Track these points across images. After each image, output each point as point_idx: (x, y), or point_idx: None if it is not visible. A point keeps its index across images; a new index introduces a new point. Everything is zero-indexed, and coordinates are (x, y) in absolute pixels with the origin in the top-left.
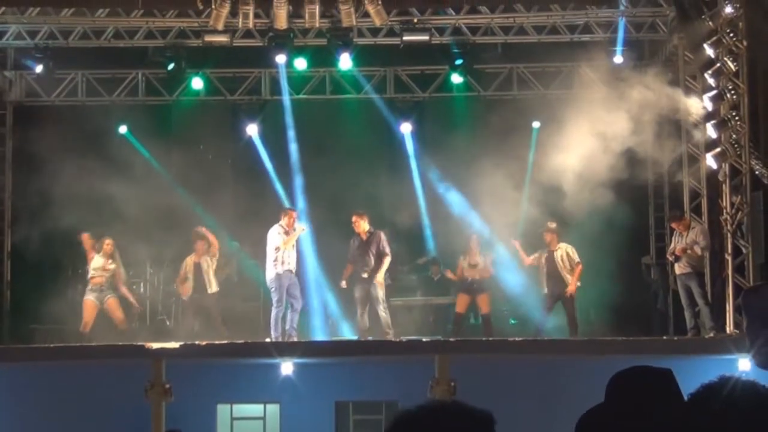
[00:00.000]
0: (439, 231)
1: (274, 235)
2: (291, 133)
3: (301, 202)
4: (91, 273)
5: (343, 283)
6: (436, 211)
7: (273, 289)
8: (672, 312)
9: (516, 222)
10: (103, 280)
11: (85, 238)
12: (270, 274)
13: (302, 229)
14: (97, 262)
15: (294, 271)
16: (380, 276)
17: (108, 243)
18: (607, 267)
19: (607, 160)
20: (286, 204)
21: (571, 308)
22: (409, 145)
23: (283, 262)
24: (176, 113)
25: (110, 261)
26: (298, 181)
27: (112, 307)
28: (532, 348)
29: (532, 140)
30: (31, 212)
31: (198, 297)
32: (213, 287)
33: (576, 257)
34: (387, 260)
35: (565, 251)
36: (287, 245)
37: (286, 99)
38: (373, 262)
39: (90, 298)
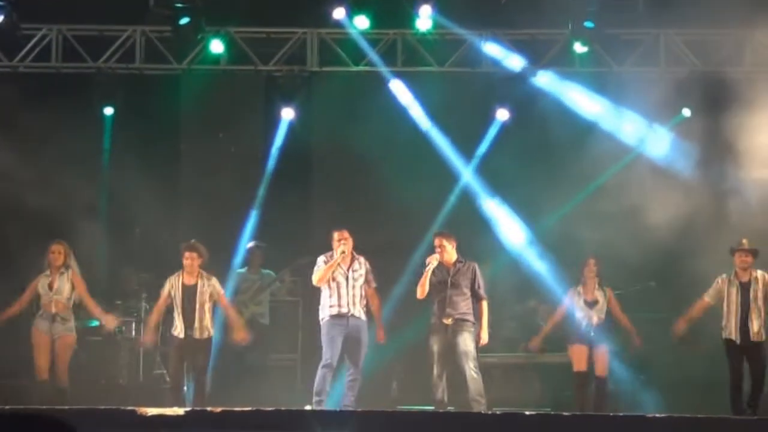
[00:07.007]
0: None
1: (315, 267)
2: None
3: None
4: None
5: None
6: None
7: (323, 341)
8: None
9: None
10: (55, 304)
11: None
12: (320, 319)
13: (342, 253)
14: (43, 280)
15: (356, 315)
16: (485, 333)
17: (53, 250)
18: None
19: None
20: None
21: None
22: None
23: (332, 305)
24: (187, 87)
25: (59, 274)
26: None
27: (61, 350)
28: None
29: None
30: None
31: (188, 339)
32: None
33: None
34: (486, 307)
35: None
36: (322, 281)
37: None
38: (462, 305)
39: (39, 329)
